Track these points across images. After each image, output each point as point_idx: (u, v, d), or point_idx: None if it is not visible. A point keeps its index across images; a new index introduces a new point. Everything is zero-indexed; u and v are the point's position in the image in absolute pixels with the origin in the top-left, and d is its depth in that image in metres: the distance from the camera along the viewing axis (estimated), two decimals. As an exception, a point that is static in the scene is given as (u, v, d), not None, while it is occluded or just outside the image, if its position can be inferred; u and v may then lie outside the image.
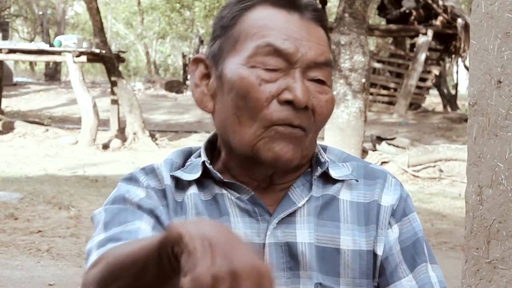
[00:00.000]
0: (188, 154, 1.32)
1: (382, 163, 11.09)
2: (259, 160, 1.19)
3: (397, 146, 12.47)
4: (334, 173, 1.26)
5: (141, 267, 0.96)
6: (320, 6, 1.28)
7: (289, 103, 1.17)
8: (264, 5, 1.22)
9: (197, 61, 1.26)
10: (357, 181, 1.27)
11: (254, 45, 1.18)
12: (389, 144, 12.53)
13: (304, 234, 1.21)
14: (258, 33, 1.19)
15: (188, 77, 1.41)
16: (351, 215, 1.25)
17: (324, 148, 1.33)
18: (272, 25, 1.19)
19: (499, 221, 1.59)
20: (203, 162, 1.24)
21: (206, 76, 1.25)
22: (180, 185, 1.25)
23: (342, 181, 1.27)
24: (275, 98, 1.17)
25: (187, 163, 1.29)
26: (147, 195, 1.22)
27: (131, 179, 1.26)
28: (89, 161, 12.00)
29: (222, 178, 1.23)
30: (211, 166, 1.24)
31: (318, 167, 1.26)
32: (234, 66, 1.19)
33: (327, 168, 1.26)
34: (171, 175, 1.25)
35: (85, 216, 7.24)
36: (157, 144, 14.27)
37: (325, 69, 1.22)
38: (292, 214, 1.22)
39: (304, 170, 1.27)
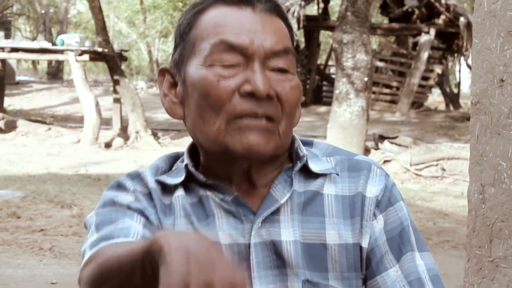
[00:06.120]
0: (174, 159, 1.33)
1: (385, 161, 11.09)
2: (231, 155, 1.19)
3: (399, 145, 12.47)
4: (314, 167, 1.26)
5: (128, 272, 0.98)
6: None
7: (251, 94, 1.17)
8: (216, 5, 1.24)
9: (163, 72, 1.28)
10: (337, 174, 1.27)
11: (209, 45, 1.20)
12: (392, 143, 12.53)
13: (288, 232, 1.21)
14: (212, 33, 1.20)
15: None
16: (336, 209, 1.25)
17: (310, 143, 1.34)
18: (224, 23, 1.21)
19: (501, 219, 1.58)
20: (186, 166, 1.26)
21: (174, 85, 1.27)
22: (167, 189, 1.26)
23: (325, 175, 1.27)
24: (235, 92, 1.18)
25: (174, 168, 1.31)
26: (135, 199, 1.24)
27: (118, 186, 1.28)
28: (92, 159, 12.01)
29: (204, 180, 1.24)
30: (194, 168, 1.25)
31: (298, 162, 1.26)
32: (194, 68, 1.21)
33: (307, 162, 1.26)
34: (155, 180, 1.26)
35: (87, 215, 7.24)
36: (159, 142, 14.28)
37: (285, 57, 1.21)
38: (276, 212, 1.22)
39: (285, 166, 1.27)
